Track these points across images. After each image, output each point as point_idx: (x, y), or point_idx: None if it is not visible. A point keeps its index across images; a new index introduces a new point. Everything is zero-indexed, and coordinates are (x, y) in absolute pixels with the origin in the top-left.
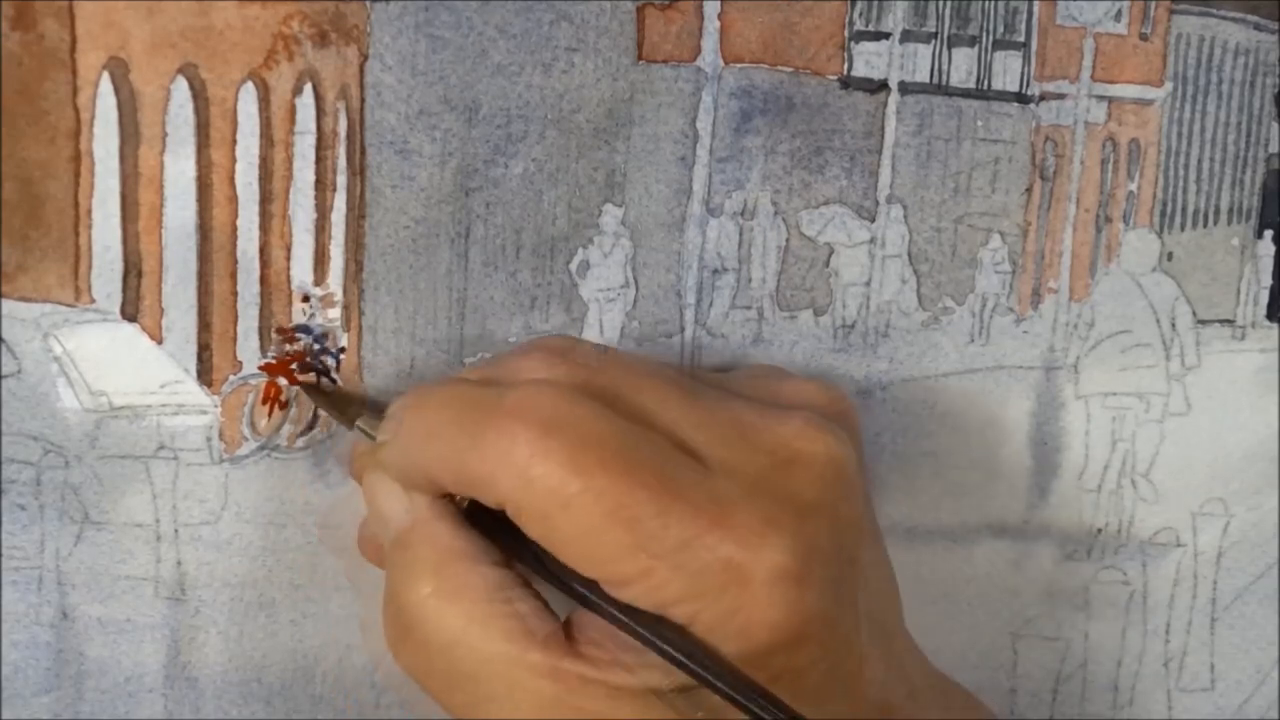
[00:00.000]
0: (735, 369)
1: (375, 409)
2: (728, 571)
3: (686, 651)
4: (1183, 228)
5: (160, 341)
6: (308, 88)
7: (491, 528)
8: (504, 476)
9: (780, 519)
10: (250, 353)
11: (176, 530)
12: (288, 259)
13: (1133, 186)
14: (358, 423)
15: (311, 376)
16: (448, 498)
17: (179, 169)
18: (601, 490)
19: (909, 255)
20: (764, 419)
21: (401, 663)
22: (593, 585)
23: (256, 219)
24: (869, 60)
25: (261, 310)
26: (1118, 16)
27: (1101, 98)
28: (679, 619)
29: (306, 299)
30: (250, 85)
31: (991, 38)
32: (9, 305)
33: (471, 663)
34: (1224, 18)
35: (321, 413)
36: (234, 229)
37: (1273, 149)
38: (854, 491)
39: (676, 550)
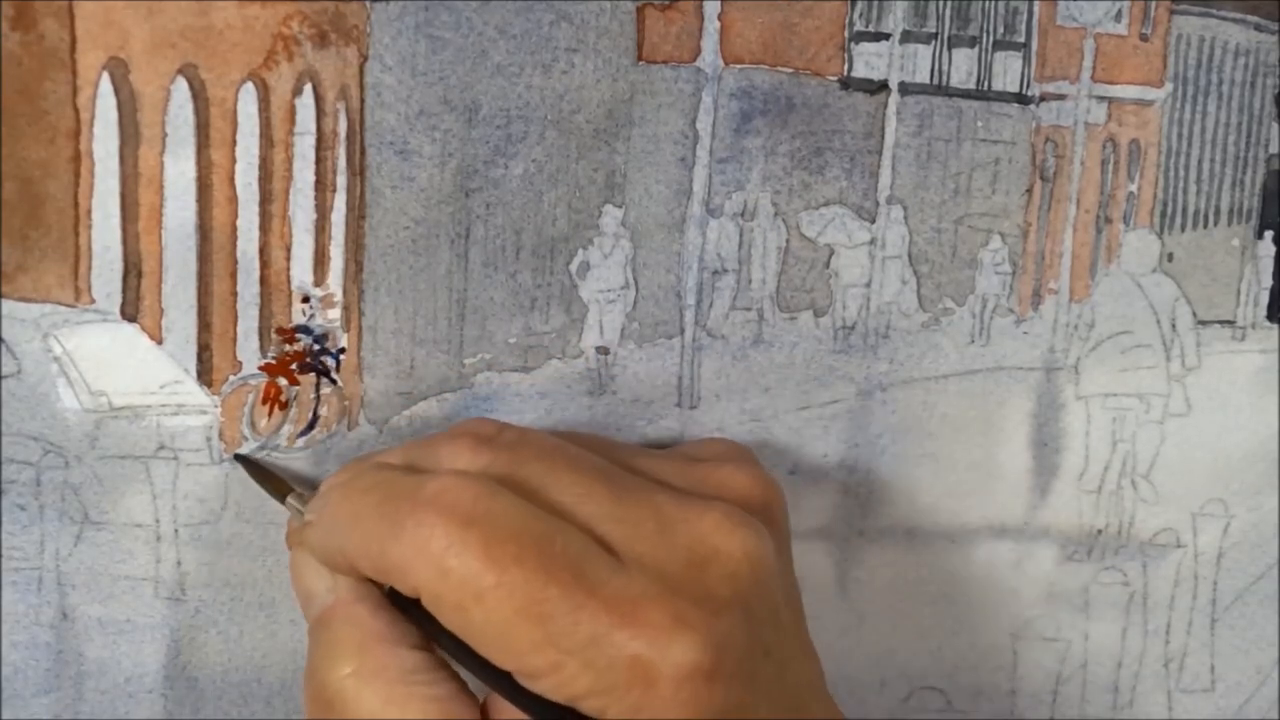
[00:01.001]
0: (682, 443)
1: (310, 485)
2: (635, 669)
3: None
4: (1183, 228)
5: (160, 342)
6: (307, 88)
7: (413, 612)
8: (420, 566)
9: (691, 617)
10: (250, 353)
11: (176, 530)
12: (288, 259)
13: (1133, 187)
14: (289, 499)
15: (311, 377)
16: (371, 580)
17: (179, 169)
18: (515, 585)
19: (909, 256)
20: (683, 512)
21: None
22: (506, 675)
23: (256, 219)
24: (869, 61)
25: (261, 310)
26: (1118, 17)
27: (1102, 98)
28: (589, 712)
29: (306, 299)
30: (250, 85)
31: (991, 38)
32: (9, 305)
33: None
34: (1224, 18)
35: (322, 412)
36: (234, 229)
37: (1273, 150)
38: (770, 584)
39: (586, 646)
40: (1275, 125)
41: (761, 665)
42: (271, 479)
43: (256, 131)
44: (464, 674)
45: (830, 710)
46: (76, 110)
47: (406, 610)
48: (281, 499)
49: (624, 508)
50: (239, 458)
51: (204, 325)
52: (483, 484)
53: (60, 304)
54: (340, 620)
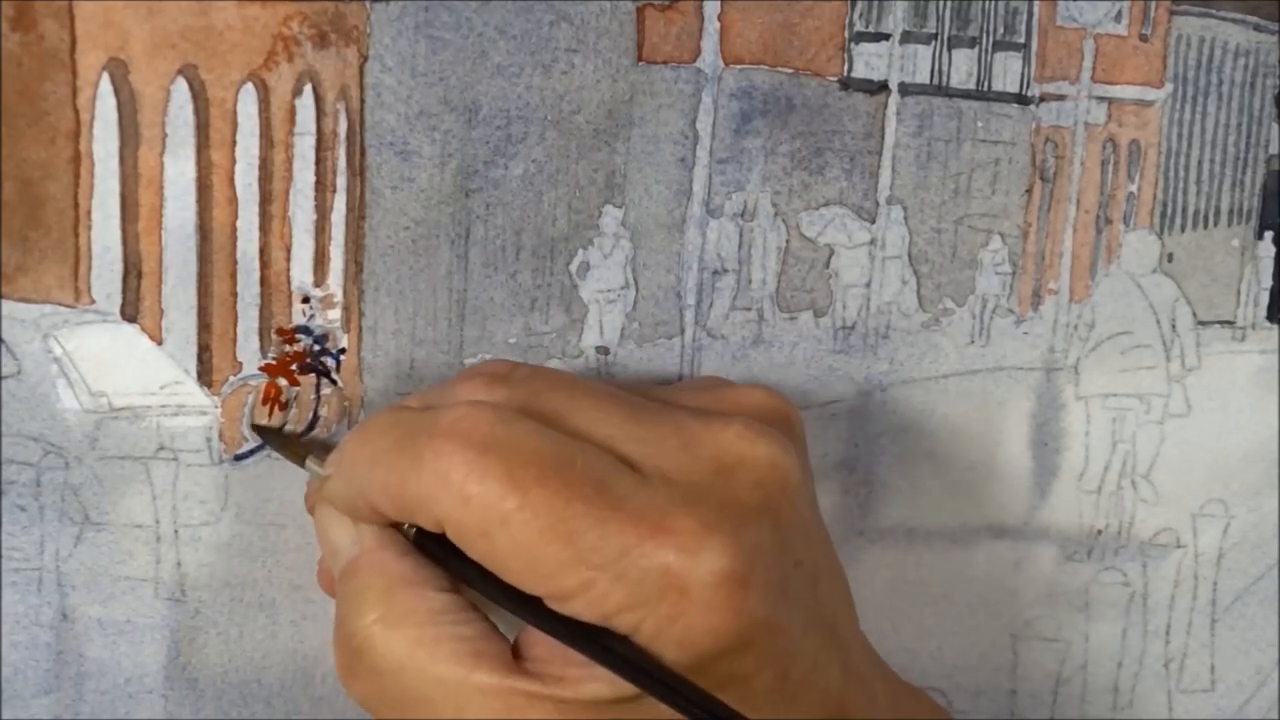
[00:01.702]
0: (682, 381)
1: (327, 448)
2: (667, 578)
3: (631, 661)
4: (1183, 229)
5: (160, 342)
6: (307, 89)
7: (439, 553)
8: (442, 497)
9: (720, 524)
10: (250, 354)
11: (176, 531)
12: (288, 260)
13: (1133, 187)
14: (308, 461)
15: (311, 377)
16: (395, 527)
17: (179, 170)
18: (539, 505)
19: (909, 256)
20: (705, 426)
21: (352, 692)
22: (536, 601)
23: (256, 220)
24: (869, 61)
25: (261, 311)
26: (1118, 17)
27: (1102, 99)
28: (622, 629)
29: (306, 300)
30: (250, 86)
31: (991, 39)
32: (9, 306)
33: (420, 686)
34: (1224, 19)
35: (323, 413)
36: (234, 230)
37: (1273, 150)
38: (797, 495)
39: (616, 560)
40: (1275, 125)
41: (793, 575)
42: (290, 445)
43: (256, 132)
44: (495, 615)
45: (857, 631)
46: (76, 111)
47: (433, 553)
48: (301, 463)
49: (644, 428)
50: (256, 427)
51: (204, 326)
52: (498, 411)
53: (60, 305)
54: (365, 568)
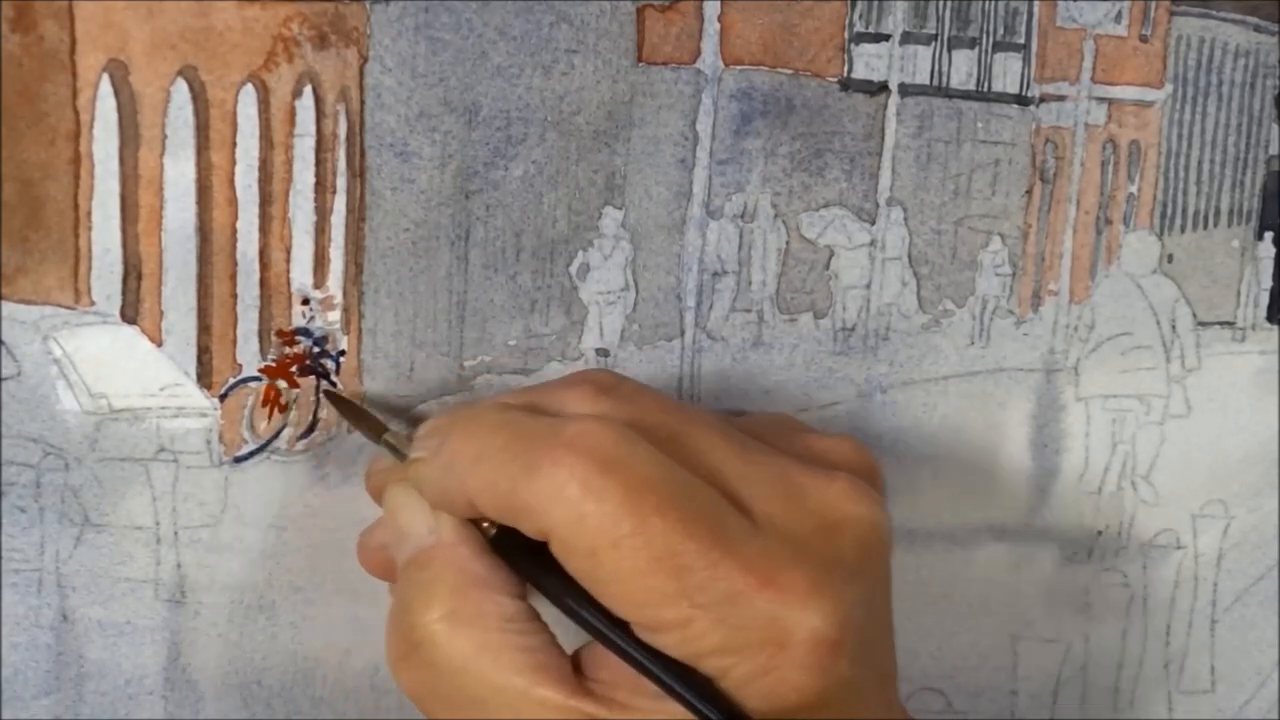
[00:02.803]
0: (748, 414)
1: (408, 422)
2: (770, 630)
3: (715, 704)
4: (1183, 230)
5: (160, 344)
6: (307, 90)
7: (517, 557)
8: (555, 509)
9: (825, 583)
10: (250, 355)
11: (176, 533)
12: (287, 261)
13: (1133, 188)
14: (385, 436)
15: (311, 379)
16: (474, 523)
17: (179, 171)
18: (653, 534)
19: (909, 258)
20: (810, 478)
21: (402, 681)
22: (622, 627)
23: (256, 221)
24: (869, 62)
25: (261, 313)
26: (1118, 18)
27: (1102, 99)
28: (709, 671)
29: (306, 301)
30: (250, 87)
31: (991, 39)
32: (9, 308)
33: (478, 691)
34: (1224, 19)
35: (321, 415)
36: (234, 231)
37: (1273, 151)
38: (889, 557)
39: (721, 604)
40: (1275, 126)
41: (874, 639)
42: (365, 418)
43: (256, 133)
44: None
45: (897, 703)
46: (76, 112)
47: (509, 556)
48: (376, 438)
49: (753, 468)
50: (329, 394)
51: (204, 327)
52: (622, 430)
53: (60, 306)
54: (440, 562)
